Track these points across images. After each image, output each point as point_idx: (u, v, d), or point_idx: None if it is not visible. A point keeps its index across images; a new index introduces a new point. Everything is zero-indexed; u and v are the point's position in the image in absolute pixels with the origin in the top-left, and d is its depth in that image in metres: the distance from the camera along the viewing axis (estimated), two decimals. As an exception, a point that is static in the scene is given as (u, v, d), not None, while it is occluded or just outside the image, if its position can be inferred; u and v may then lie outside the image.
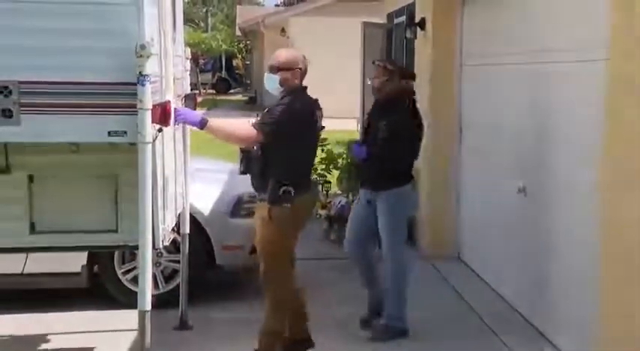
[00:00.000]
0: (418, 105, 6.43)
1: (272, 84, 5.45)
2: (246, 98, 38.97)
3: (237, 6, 50.95)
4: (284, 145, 5.21)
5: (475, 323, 6.68)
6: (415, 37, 9.33)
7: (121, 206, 4.77)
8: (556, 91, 6.01)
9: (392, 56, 11.20)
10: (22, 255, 6.33)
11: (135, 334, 6.24)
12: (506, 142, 7.12)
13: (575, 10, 5.69)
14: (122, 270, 6.76)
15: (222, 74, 46.52)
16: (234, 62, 49.59)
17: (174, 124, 5.17)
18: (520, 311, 6.70)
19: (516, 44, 6.93)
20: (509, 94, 7.08)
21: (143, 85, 4.21)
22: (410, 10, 9.73)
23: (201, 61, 45.18)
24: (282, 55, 5.53)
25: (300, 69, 5.46)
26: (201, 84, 42.09)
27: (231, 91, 45.81)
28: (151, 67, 4.39)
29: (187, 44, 5.83)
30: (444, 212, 8.72)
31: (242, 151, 5.45)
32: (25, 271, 6.62)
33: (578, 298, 5.47)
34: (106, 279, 6.83)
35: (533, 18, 6.53)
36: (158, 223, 4.71)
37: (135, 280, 6.99)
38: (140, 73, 4.19)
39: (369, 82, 6.57)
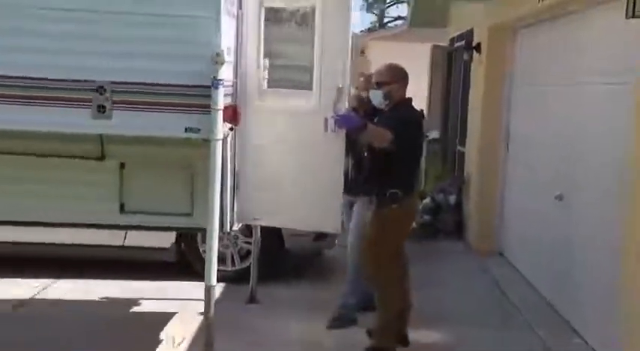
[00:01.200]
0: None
1: (377, 98, 5.11)
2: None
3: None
4: (397, 153, 4.78)
5: (511, 314, 6.31)
6: (471, 59, 9.01)
7: (195, 194, 4.60)
8: (588, 111, 5.68)
9: (451, 75, 10.86)
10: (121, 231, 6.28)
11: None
12: (546, 154, 6.75)
13: (604, 42, 5.43)
14: (203, 248, 6.58)
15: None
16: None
17: (335, 130, 4.76)
18: (553, 305, 6.31)
19: (556, 69, 6.62)
20: (549, 112, 6.75)
21: (217, 88, 4.03)
22: (468, 36, 9.39)
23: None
24: (384, 70, 5.19)
25: (402, 81, 5.11)
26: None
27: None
28: (226, 72, 4.25)
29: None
30: (490, 214, 8.33)
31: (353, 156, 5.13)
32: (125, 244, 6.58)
33: (603, 295, 5.08)
34: (190, 255, 6.71)
35: (571, 47, 6.22)
36: (227, 209, 4.55)
37: (215, 257, 6.91)
38: (214, 77, 4.01)
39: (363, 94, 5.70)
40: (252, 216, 5.29)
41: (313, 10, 4.84)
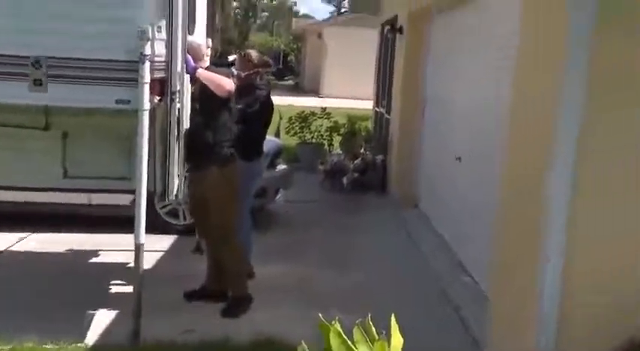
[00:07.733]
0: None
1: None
2: (294, 84, 37.92)
3: (293, 18, 49.60)
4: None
5: (415, 255, 6.05)
6: (395, 38, 8.59)
7: (132, 160, 4.14)
8: (477, 85, 5.38)
9: (382, 52, 10.41)
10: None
11: (161, 254, 5.74)
12: (450, 122, 6.40)
13: (489, 23, 5.12)
14: (159, 206, 6.17)
15: (279, 65, 45.17)
16: (289, 58, 48.22)
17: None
18: (452, 247, 6.04)
19: (457, 46, 6.32)
20: (452, 86, 6.40)
21: (143, 63, 3.57)
22: (393, 21, 8.95)
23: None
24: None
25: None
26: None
27: (285, 78, 44.41)
28: (157, 48, 3.76)
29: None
30: (408, 172, 8.00)
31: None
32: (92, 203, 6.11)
33: (485, 237, 4.74)
34: (148, 211, 6.22)
35: (463, 31, 5.98)
36: (171, 176, 4.11)
37: (169, 213, 6.45)
38: (141, 53, 3.54)
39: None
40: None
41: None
